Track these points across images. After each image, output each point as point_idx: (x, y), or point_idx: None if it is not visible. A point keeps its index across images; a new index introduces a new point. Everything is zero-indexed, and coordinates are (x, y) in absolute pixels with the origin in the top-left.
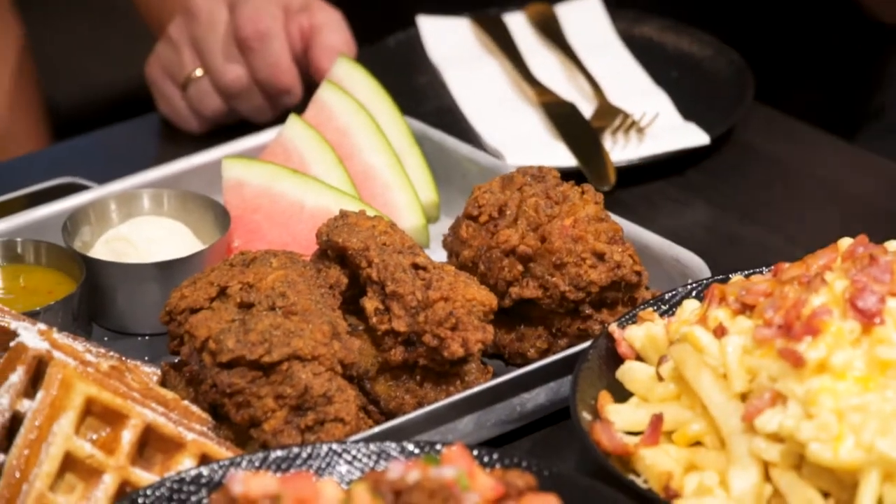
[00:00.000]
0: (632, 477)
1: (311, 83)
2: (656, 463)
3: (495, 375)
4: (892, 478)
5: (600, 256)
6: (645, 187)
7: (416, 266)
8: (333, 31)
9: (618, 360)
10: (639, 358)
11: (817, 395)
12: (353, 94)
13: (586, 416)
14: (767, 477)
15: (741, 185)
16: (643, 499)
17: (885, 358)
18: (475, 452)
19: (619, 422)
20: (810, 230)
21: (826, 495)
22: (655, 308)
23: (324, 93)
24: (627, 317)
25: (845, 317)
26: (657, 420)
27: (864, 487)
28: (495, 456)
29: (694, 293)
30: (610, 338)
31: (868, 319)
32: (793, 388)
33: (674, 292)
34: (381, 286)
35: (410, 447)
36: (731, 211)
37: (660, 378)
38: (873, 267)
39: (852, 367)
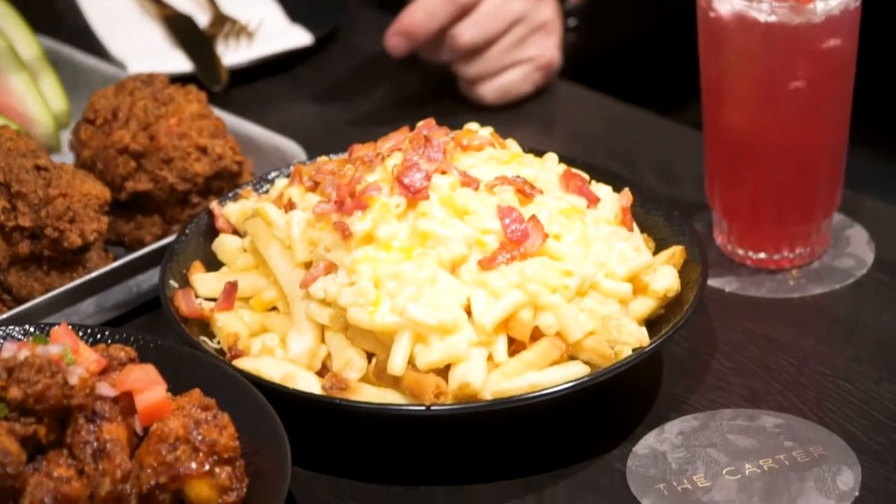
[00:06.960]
0: (207, 339)
1: None
2: (226, 325)
3: (116, 261)
4: (422, 339)
5: (203, 150)
6: (256, 86)
7: (38, 167)
8: None
9: (217, 234)
10: (235, 233)
11: (358, 263)
12: None
13: (174, 284)
14: (324, 339)
15: (345, 79)
16: (214, 359)
17: (425, 229)
18: (86, 331)
19: (203, 289)
20: (412, 116)
21: (372, 356)
22: (257, 188)
23: None
24: (230, 196)
25: (392, 193)
26: (231, 287)
27: (397, 347)
28: (107, 332)
29: (287, 175)
30: (212, 214)
31: (412, 195)
32: (341, 258)
33: (273, 174)
34: (7, 187)
35: (31, 329)
36: (333, 103)
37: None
38: (428, 147)
39: (396, 238)
